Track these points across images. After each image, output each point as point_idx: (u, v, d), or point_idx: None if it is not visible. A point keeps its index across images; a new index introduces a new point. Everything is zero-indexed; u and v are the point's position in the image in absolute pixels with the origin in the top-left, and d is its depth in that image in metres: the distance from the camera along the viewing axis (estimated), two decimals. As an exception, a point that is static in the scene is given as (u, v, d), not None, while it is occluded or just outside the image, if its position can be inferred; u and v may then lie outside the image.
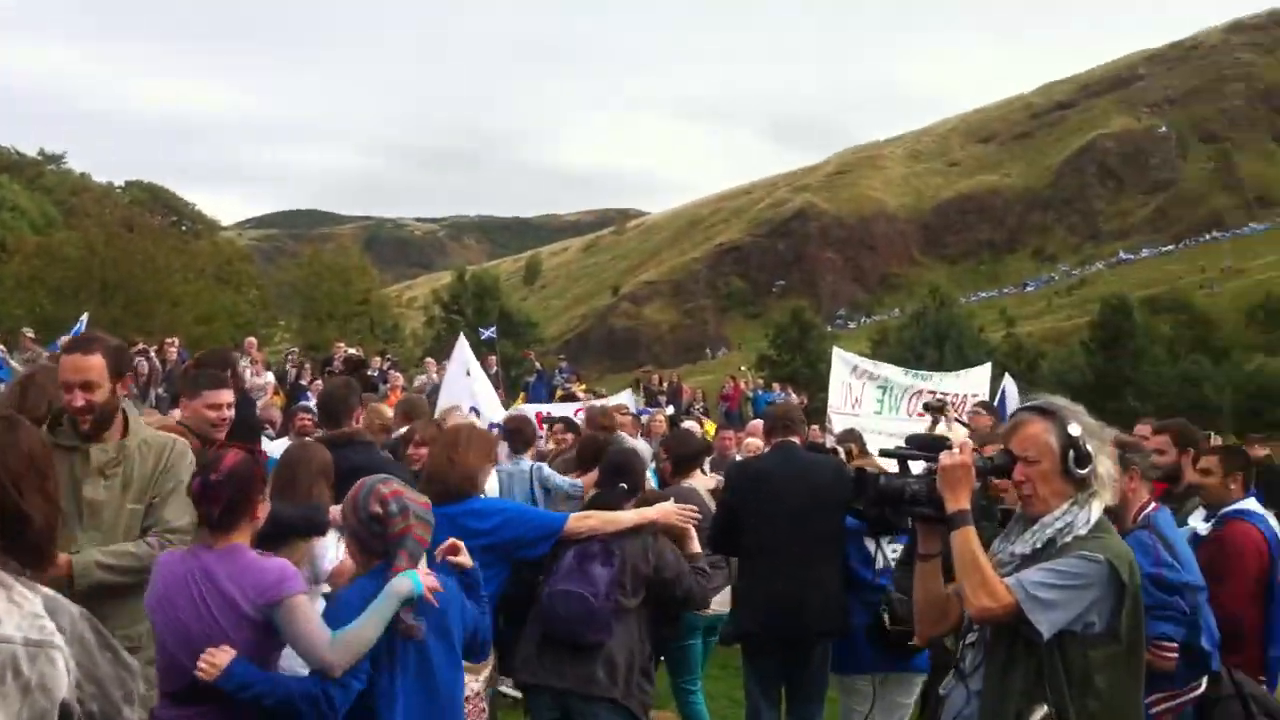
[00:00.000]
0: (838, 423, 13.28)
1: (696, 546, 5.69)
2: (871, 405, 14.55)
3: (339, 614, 3.91)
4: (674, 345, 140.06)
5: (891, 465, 4.21)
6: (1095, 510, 3.60)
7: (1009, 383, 16.22)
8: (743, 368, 45.30)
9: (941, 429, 10.24)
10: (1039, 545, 3.59)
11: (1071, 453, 3.57)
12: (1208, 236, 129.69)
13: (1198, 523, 6.26)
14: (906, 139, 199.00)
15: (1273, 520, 6.20)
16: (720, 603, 7.12)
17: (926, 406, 11.13)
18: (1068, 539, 3.56)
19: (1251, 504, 6.14)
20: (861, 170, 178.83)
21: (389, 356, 26.62)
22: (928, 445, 3.85)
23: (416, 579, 3.92)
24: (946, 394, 12.85)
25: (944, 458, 3.59)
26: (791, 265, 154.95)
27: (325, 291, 59.50)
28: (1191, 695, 5.00)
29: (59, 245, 46.23)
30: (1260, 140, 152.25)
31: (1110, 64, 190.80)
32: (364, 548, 4.10)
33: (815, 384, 61.45)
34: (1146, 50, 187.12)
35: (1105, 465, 3.63)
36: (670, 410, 23.10)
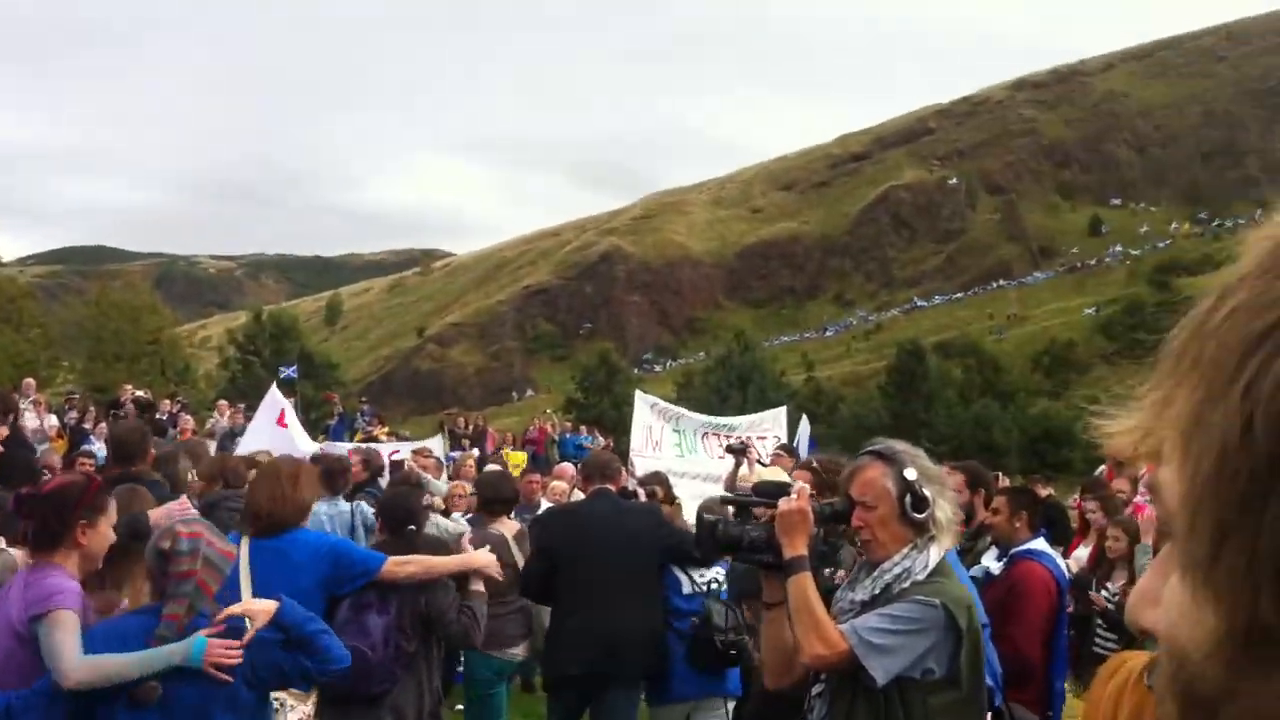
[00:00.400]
0: (640, 465, 13.50)
1: (480, 587, 5.64)
2: (671, 450, 14.85)
3: (100, 641, 3.77)
4: (480, 387, 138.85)
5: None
6: (933, 555, 3.55)
7: (805, 424, 16.45)
8: (549, 410, 45.33)
9: (744, 471, 10.54)
10: (877, 591, 3.54)
11: (909, 497, 3.52)
12: (995, 285, 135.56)
13: (990, 562, 6.44)
14: (711, 185, 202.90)
15: (1059, 558, 6.47)
16: (520, 649, 7.44)
17: (729, 449, 11.30)
18: (905, 584, 3.50)
19: (1040, 544, 6.36)
20: (667, 215, 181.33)
21: (179, 399, 26.01)
22: (771, 493, 3.75)
23: (199, 652, 3.72)
24: (746, 436, 13.22)
25: (781, 503, 3.51)
26: (598, 308, 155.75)
27: (113, 331, 57.36)
28: None
29: None
30: (1044, 193, 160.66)
31: (903, 117, 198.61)
32: (152, 583, 3.97)
33: (621, 427, 61.19)
34: (937, 105, 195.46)
35: (944, 509, 3.59)
36: (476, 452, 22.66)
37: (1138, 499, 9.07)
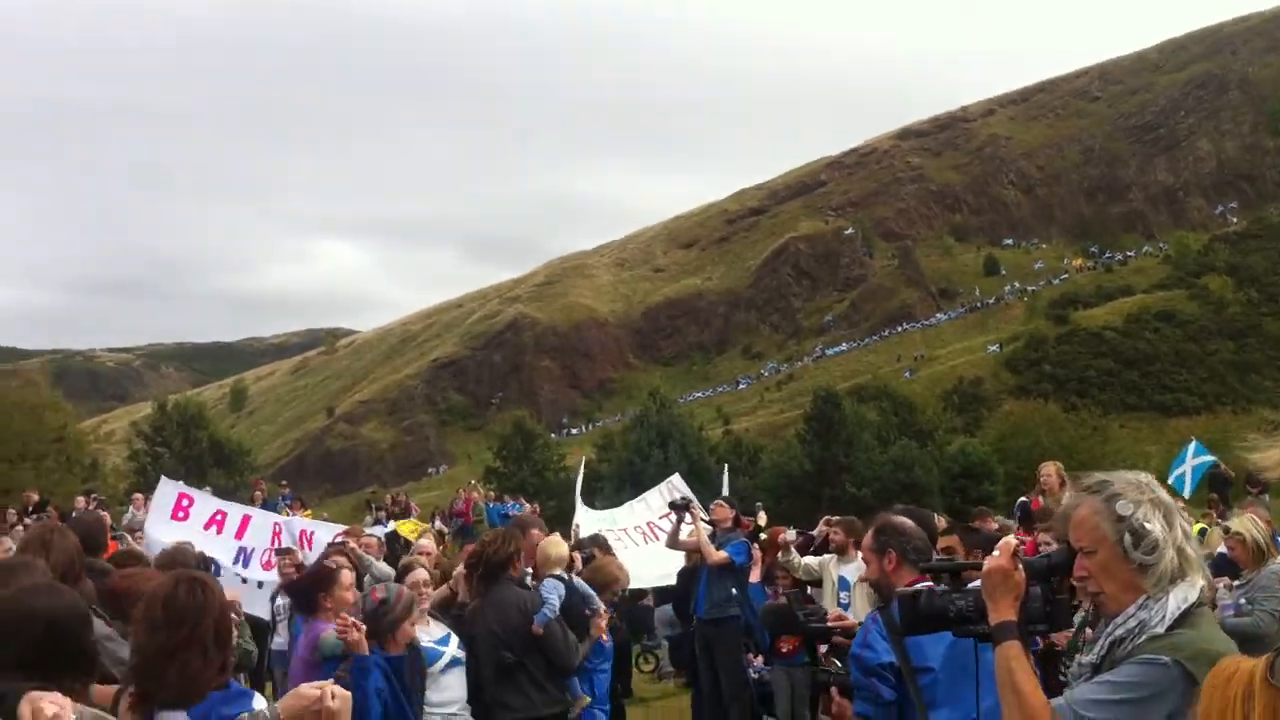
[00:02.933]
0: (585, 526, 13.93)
1: None
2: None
3: None
4: (395, 464, 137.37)
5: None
6: (1173, 602, 3.02)
7: (725, 477, 17.83)
8: (473, 481, 45.06)
9: (687, 528, 11.09)
10: (1103, 651, 3.07)
11: (1128, 536, 3.06)
12: (900, 328, 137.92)
13: None
14: (612, 247, 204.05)
15: None
16: None
17: (672, 505, 11.63)
18: (1139, 639, 3.00)
19: None
20: (570, 279, 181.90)
21: (95, 495, 25.44)
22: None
23: None
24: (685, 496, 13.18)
25: (986, 562, 3.17)
26: (508, 376, 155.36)
27: (15, 431, 55.65)
28: None
29: None
30: (937, 236, 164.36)
31: (796, 170, 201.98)
32: None
33: (545, 492, 61.38)
34: (828, 157, 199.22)
35: (1185, 545, 3.09)
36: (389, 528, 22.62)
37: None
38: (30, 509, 21.20)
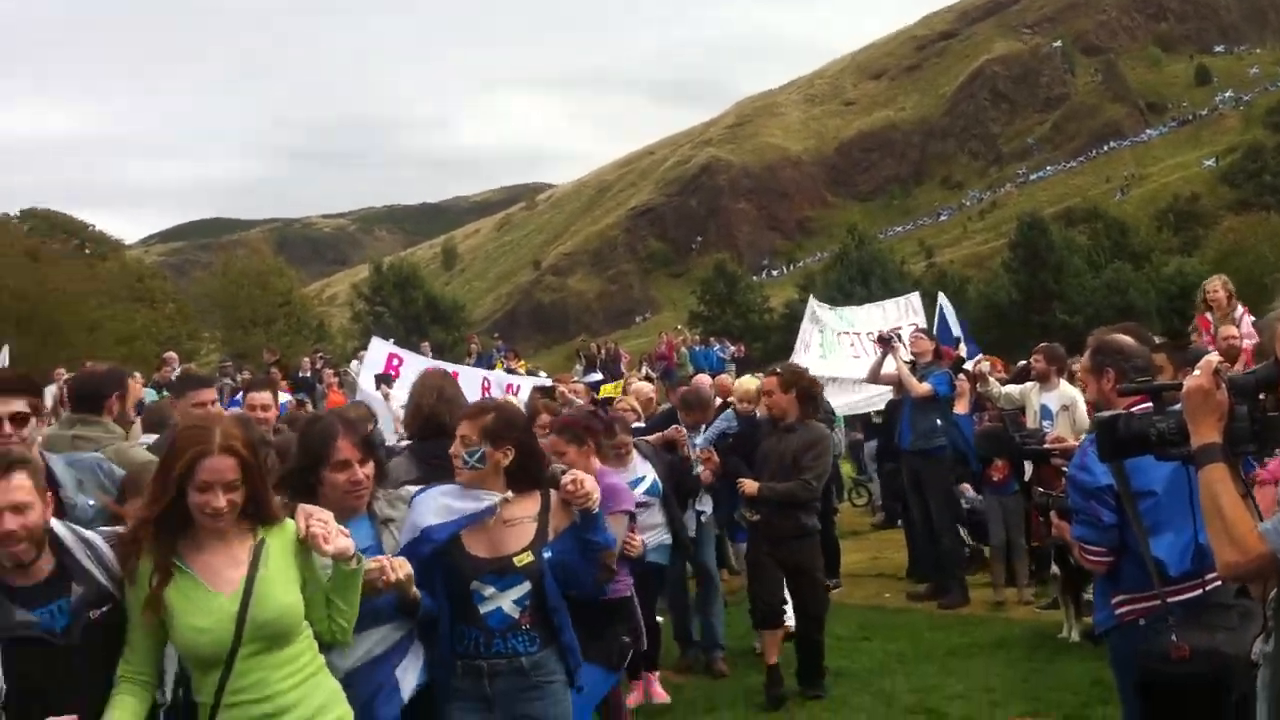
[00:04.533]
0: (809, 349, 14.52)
1: None
2: (816, 351, 15.34)
3: None
4: (603, 313, 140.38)
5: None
6: None
7: (943, 301, 16.66)
8: (679, 326, 45.63)
9: (889, 365, 11.13)
10: None
11: None
12: (1107, 147, 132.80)
13: None
14: (799, 84, 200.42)
15: None
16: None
17: (879, 338, 11.68)
18: None
19: None
20: (760, 119, 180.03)
21: (320, 355, 26.59)
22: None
23: None
24: (894, 328, 13.59)
25: (1185, 381, 2.95)
26: (707, 220, 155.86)
27: (244, 298, 58.46)
28: (1152, 604, 4.14)
29: (-36, 284, 44.41)
30: (1142, 48, 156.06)
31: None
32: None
33: (749, 335, 62.52)
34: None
35: None
36: (598, 377, 23.49)
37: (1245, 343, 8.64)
38: (272, 366, 22.17)
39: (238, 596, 3.40)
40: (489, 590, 4.12)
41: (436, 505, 4.20)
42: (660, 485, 7.43)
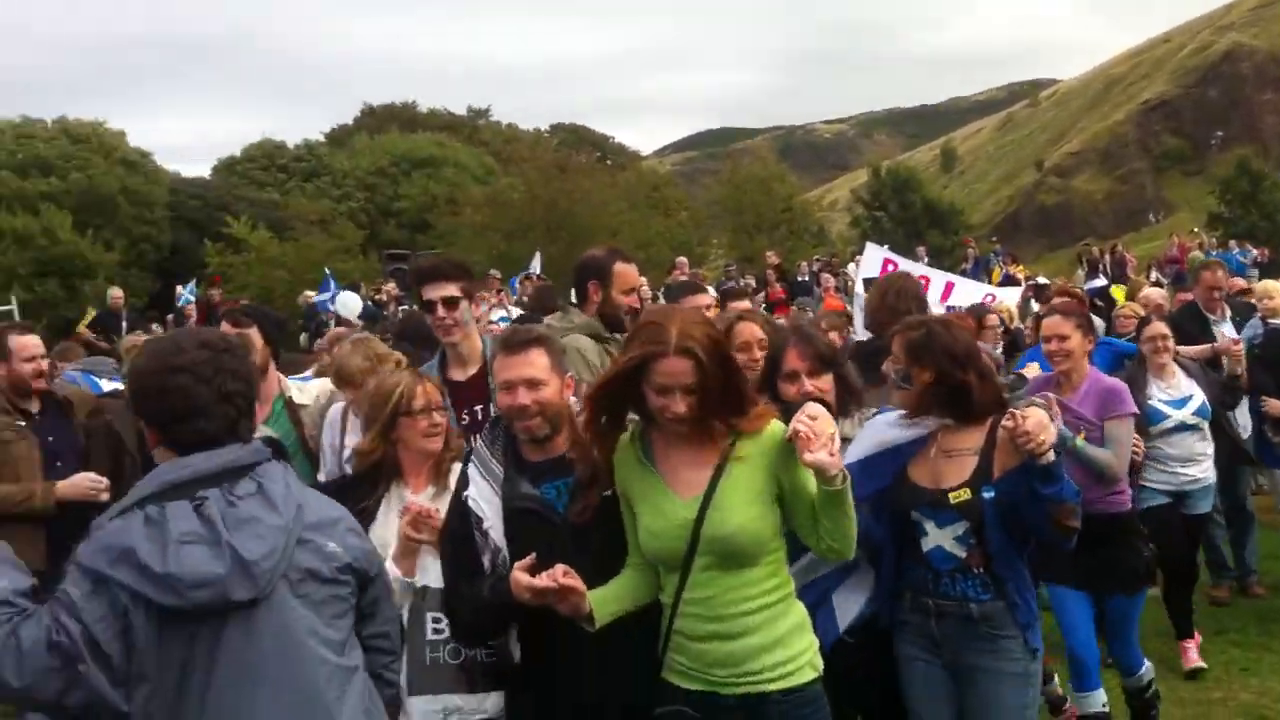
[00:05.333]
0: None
1: None
2: None
3: None
4: (1110, 215, 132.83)
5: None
6: None
7: None
8: (1194, 229, 42.95)
9: None
10: None
11: None
12: None
13: None
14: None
15: None
16: None
17: None
18: None
19: None
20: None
21: (818, 259, 27.21)
22: None
23: None
24: None
25: None
26: (1227, 112, 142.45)
27: (749, 204, 59.57)
28: None
29: (503, 193, 49.21)
30: None
31: None
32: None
33: (1276, 238, 57.36)
34: None
35: None
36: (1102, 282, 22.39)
37: None
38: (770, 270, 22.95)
39: (695, 503, 3.27)
40: (929, 525, 3.92)
41: (879, 430, 4.08)
42: (1210, 409, 6.83)
